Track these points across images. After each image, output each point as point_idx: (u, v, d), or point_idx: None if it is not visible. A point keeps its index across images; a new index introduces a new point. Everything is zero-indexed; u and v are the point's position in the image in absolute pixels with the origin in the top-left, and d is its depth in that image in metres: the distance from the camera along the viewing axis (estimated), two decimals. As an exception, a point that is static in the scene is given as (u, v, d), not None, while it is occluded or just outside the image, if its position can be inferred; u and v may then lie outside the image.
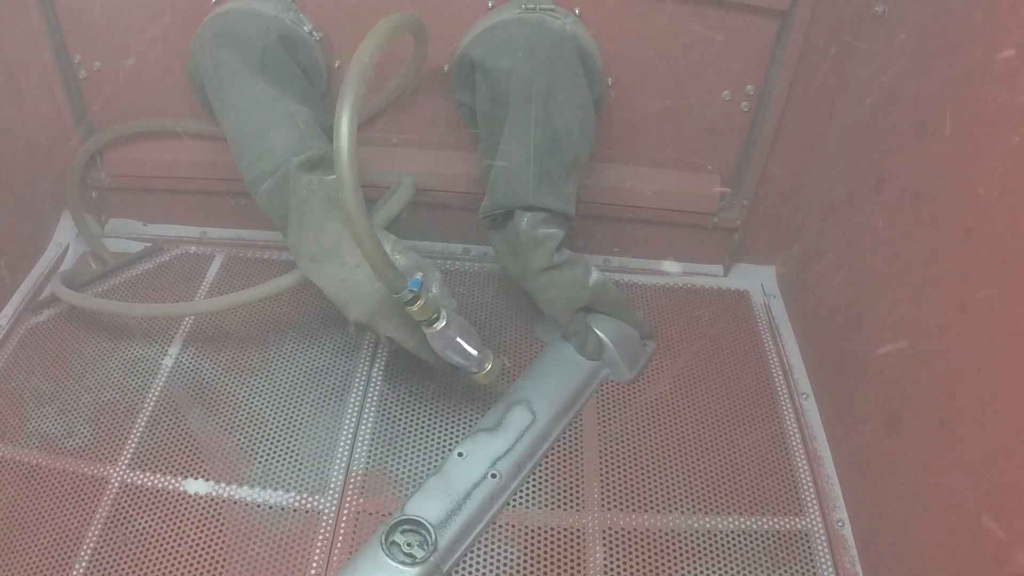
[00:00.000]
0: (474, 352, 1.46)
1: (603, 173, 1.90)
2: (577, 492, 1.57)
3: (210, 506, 1.50)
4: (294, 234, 1.54)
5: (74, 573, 1.39)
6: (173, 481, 1.54)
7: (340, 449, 1.61)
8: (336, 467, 1.58)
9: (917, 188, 1.43)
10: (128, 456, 1.58)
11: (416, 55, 1.66)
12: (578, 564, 1.45)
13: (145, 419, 1.65)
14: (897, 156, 1.52)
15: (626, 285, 2.04)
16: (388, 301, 1.45)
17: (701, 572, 1.45)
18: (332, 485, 1.55)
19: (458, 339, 1.44)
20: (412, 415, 1.68)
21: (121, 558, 1.41)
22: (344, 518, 1.50)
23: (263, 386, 1.73)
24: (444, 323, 1.41)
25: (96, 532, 1.45)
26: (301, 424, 1.66)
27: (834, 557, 1.50)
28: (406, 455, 1.61)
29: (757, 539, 1.51)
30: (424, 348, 1.49)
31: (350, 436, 1.64)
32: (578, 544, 1.48)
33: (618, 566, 1.45)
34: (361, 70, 1.29)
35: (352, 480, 1.56)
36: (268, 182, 1.52)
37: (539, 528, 1.50)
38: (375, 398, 1.72)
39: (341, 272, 1.48)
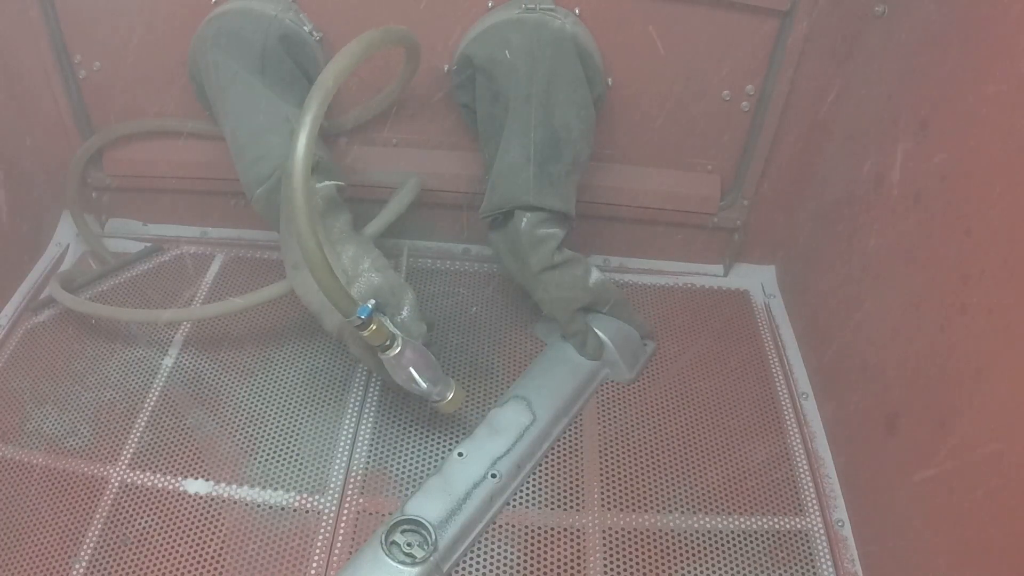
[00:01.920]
0: (424, 384, 1.44)
1: (603, 173, 1.90)
2: (577, 492, 1.57)
3: (210, 506, 1.50)
4: (284, 240, 1.54)
5: (74, 573, 1.39)
6: (173, 481, 1.54)
7: (340, 449, 1.61)
8: (336, 467, 1.58)
9: (917, 188, 1.43)
10: (128, 456, 1.58)
11: (408, 66, 1.65)
12: (578, 564, 1.45)
13: (145, 419, 1.65)
14: (897, 156, 1.52)
15: (626, 285, 2.04)
16: None
17: (701, 572, 1.45)
18: (332, 485, 1.55)
19: (411, 369, 1.42)
20: (412, 415, 1.68)
21: (121, 558, 1.41)
22: (344, 518, 1.50)
23: (263, 386, 1.73)
24: (397, 351, 1.40)
25: (96, 532, 1.45)
26: (301, 424, 1.66)
27: (834, 557, 1.50)
28: (406, 455, 1.61)
29: (757, 539, 1.51)
30: (383, 370, 1.48)
31: (350, 436, 1.64)
32: (578, 544, 1.48)
33: (618, 566, 1.45)
34: (323, 94, 1.26)
35: (352, 480, 1.56)
36: (264, 187, 1.52)
37: (539, 528, 1.50)
38: (375, 398, 1.72)
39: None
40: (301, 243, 1.28)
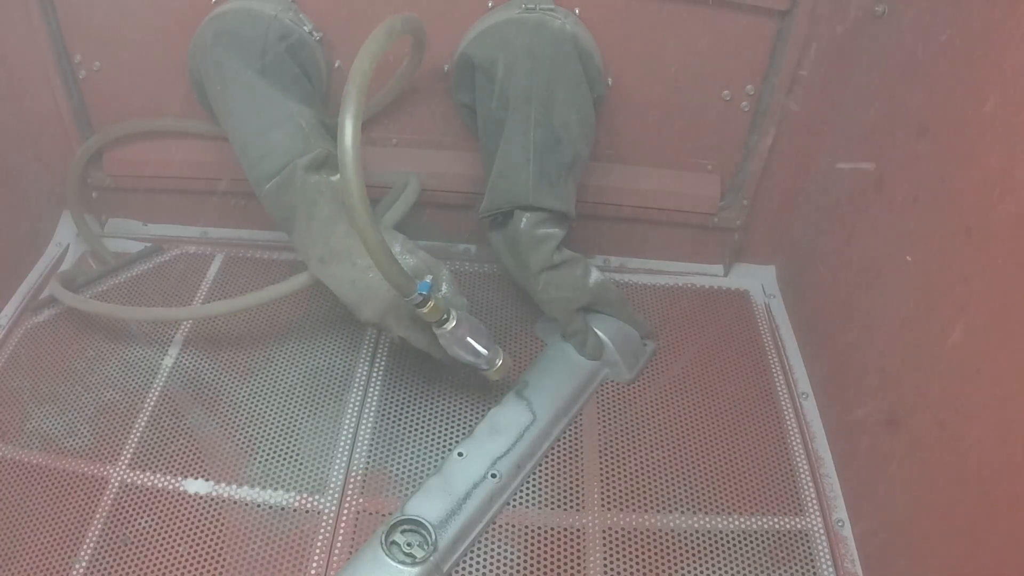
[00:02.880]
0: (484, 351, 1.48)
1: (603, 173, 1.90)
2: (577, 492, 1.57)
3: (210, 506, 1.50)
4: (302, 235, 1.54)
5: (74, 573, 1.39)
6: (173, 481, 1.54)
7: (340, 449, 1.61)
8: (336, 467, 1.58)
9: (917, 189, 1.43)
10: (128, 456, 1.58)
11: (413, 57, 1.65)
12: (578, 564, 1.45)
13: (145, 419, 1.65)
14: (897, 156, 1.52)
15: (626, 285, 2.04)
16: (398, 303, 1.46)
17: (701, 572, 1.45)
18: (332, 485, 1.55)
19: (468, 338, 1.46)
20: (412, 415, 1.68)
21: (121, 558, 1.41)
22: (344, 518, 1.50)
23: (263, 386, 1.73)
24: (454, 323, 1.43)
25: (96, 532, 1.45)
26: (301, 424, 1.66)
27: (834, 557, 1.50)
28: (406, 455, 1.61)
29: (757, 539, 1.51)
30: (435, 347, 1.52)
31: (350, 436, 1.64)
32: (578, 544, 1.48)
33: (618, 566, 1.45)
34: (362, 78, 1.28)
35: (352, 480, 1.56)
36: (272, 183, 1.52)
37: (539, 528, 1.50)
38: (375, 398, 1.72)
39: (351, 274, 1.48)
40: (359, 227, 1.30)
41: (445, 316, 1.42)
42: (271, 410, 1.68)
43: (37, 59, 1.79)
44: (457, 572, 1.43)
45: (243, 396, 1.71)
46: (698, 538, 1.50)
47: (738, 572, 1.46)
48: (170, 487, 1.53)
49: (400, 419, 1.67)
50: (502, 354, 1.54)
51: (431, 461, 1.59)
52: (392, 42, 1.37)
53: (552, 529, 1.50)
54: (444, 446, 1.62)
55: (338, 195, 1.50)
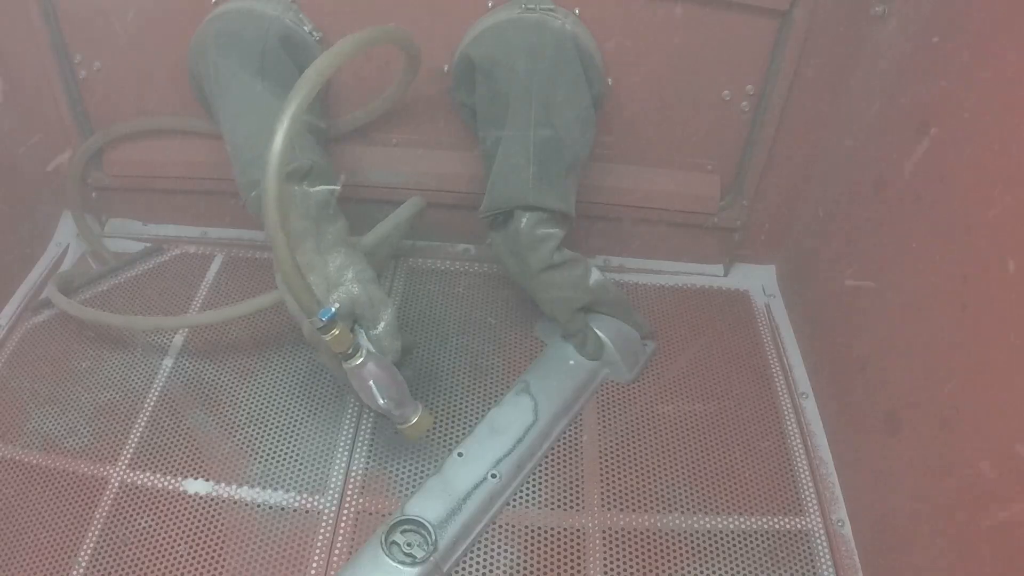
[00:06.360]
0: (381, 402, 1.41)
1: (603, 173, 1.90)
2: (577, 492, 1.57)
3: (210, 506, 1.50)
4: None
5: (74, 573, 1.39)
6: (173, 481, 1.54)
7: (340, 449, 1.61)
8: (336, 467, 1.58)
9: (917, 188, 1.43)
10: (128, 456, 1.58)
11: (407, 69, 1.65)
12: (578, 564, 1.45)
13: (145, 419, 1.64)
14: (897, 156, 1.52)
15: (626, 285, 2.04)
16: None
17: (701, 572, 1.45)
18: (332, 485, 1.55)
19: (371, 383, 1.40)
20: (412, 415, 1.68)
21: (121, 558, 1.41)
22: (344, 518, 1.50)
23: (263, 386, 1.73)
24: (359, 362, 1.38)
25: (96, 532, 1.45)
26: (301, 424, 1.66)
27: (834, 557, 1.50)
28: (406, 455, 1.60)
29: (757, 539, 1.51)
30: (347, 383, 1.46)
31: (350, 436, 1.64)
32: (578, 544, 1.48)
33: (618, 566, 1.45)
34: (310, 87, 1.26)
35: (352, 480, 1.56)
36: (256, 191, 1.51)
37: (539, 528, 1.50)
38: (375, 398, 1.71)
39: None
40: (269, 237, 1.26)
41: (351, 351, 1.37)
42: (271, 410, 1.68)
43: (37, 59, 1.79)
44: (457, 572, 1.43)
45: (243, 396, 1.71)
46: (698, 538, 1.50)
47: (738, 572, 1.46)
48: (170, 487, 1.53)
49: (400, 419, 1.67)
50: (420, 412, 1.46)
51: (431, 461, 1.59)
52: (354, 56, 1.35)
53: (552, 529, 1.50)
54: (444, 446, 1.62)
55: (311, 210, 1.48)
